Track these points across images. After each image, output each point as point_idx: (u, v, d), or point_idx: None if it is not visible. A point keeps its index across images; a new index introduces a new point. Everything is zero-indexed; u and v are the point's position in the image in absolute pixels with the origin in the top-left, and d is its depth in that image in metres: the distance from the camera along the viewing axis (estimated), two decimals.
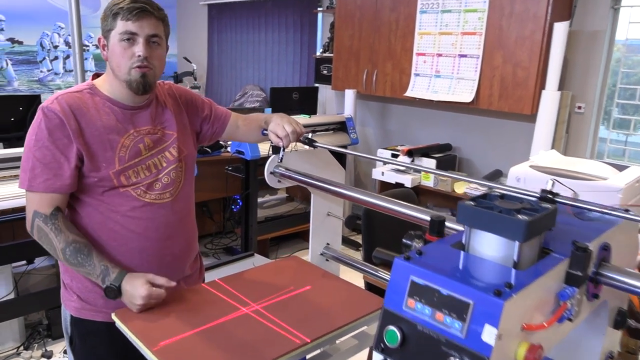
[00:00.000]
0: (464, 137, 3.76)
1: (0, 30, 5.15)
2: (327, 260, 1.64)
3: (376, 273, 1.51)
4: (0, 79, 5.24)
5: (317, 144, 1.32)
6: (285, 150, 1.32)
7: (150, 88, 1.28)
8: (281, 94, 4.10)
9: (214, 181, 3.67)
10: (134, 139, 1.29)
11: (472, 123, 3.68)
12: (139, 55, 1.23)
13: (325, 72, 4.38)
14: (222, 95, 5.81)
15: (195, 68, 5.45)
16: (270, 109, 3.95)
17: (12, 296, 2.36)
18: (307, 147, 1.30)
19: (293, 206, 4.84)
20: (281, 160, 1.32)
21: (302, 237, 4.02)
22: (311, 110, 4.18)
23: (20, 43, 5.29)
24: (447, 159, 3.65)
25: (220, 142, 3.57)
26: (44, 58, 5.47)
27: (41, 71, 5.47)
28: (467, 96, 3.29)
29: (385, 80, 3.78)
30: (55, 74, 5.54)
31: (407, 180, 3.50)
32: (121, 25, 1.22)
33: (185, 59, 5.60)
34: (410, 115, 4.08)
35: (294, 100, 4.10)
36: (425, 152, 3.59)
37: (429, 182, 3.49)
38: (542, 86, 3.00)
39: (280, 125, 1.33)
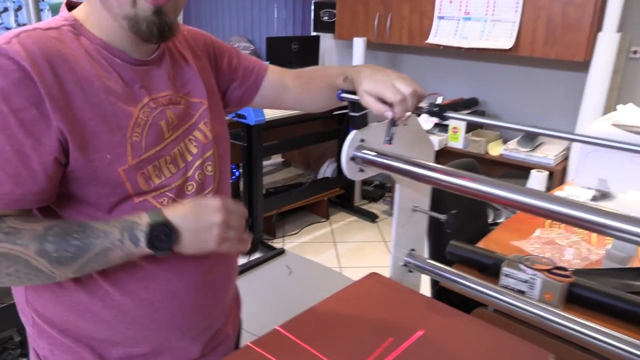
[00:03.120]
0: (491, 90, 3.29)
1: None
2: (410, 271, 1.19)
3: (481, 288, 1.06)
4: None
5: (450, 115, 0.85)
6: (397, 124, 0.84)
7: (170, 33, 0.77)
8: (278, 44, 3.53)
9: None
10: (151, 112, 0.78)
11: (503, 73, 3.21)
12: None
13: (326, 18, 3.80)
14: None
15: None
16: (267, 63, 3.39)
17: None
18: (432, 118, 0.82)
19: (292, 172, 4.36)
20: (391, 141, 0.84)
21: (308, 209, 3.56)
22: (312, 63, 3.64)
23: None
24: (475, 115, 3.19)
25: None
26: None
27: None
28: (505, 42, 2.80)
29: (402, 25, 3.25)
30: (7, 28, 4.78)
31: (434, 141, 3.05)
32: None
33: None
34: (425, 66, 3.57)
35: (293, 51, 3.54)
36: (452, 108, 3.12)
37: (457, 143, 3.04)
38: (599, 28, 2.53)
39: (387, 83, 0.82)
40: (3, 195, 0.67)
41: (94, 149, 0.71)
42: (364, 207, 3.67)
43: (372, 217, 3.49)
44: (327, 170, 3.81)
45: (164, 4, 0.73)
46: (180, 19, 4.23)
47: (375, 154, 0.91)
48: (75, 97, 0.70)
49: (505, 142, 3.03)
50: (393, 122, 0.84)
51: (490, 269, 1.37)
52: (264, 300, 2.37)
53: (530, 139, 2.85)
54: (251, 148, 2.82)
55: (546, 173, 2.18)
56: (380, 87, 0.83)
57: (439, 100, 0.75)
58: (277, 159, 4.56)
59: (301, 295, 2.41)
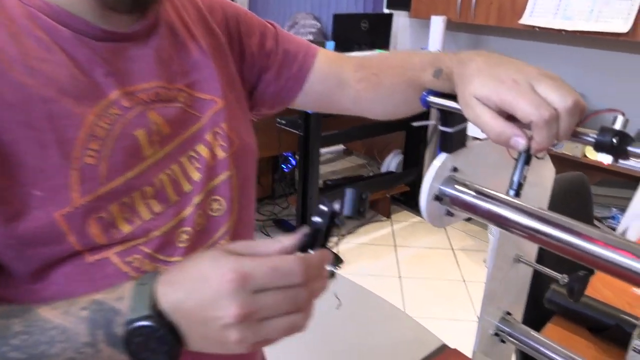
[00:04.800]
0: (596, 81, 2.78)
1: None
2: (502, 342, 0.85)
3: None
4: None
5: (638, 150, 0.49)
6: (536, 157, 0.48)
7: None
8: (346, 23, 3.17)
9: (262, 136, 2.88)
10: (121, 114, 0.49)
11: (614, 62, 2.69)
12: None
13: None
14: None
15: None
16: (332, 43, 3.06)
17: None
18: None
19: (353, 162, 4.04)
20: (519, 192, 0.48)
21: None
22: (383, 44, 3.27)
23: None
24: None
25: None
26: None
27: None
28: (619, 24, 2.30)
29: (491, 2, 2.81)
30: None
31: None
32: None
33: None
34: (514, 51, 3.10)
35: (363, 30, 3.18)
36: None
37: None
38: None
39: (523, 86, 0.44)
40: None
41: (13, 182, 0.43)
42: None
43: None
44: (391, 163, 3.45)
45: None
46: None
47: (474, 193, 0.57)
48: None
49: None
50: (528, 158, 0.47)
51: (611, 331, 1.03)
52: (301, 339, 2.03)
53: None
54: (308, 138, 2.53)
55: None
56: (506, 91, 0.44)
57: (619, 124, 0.38)
58: (338, 146, 4.25)
59: (351, 337, 2.02)
